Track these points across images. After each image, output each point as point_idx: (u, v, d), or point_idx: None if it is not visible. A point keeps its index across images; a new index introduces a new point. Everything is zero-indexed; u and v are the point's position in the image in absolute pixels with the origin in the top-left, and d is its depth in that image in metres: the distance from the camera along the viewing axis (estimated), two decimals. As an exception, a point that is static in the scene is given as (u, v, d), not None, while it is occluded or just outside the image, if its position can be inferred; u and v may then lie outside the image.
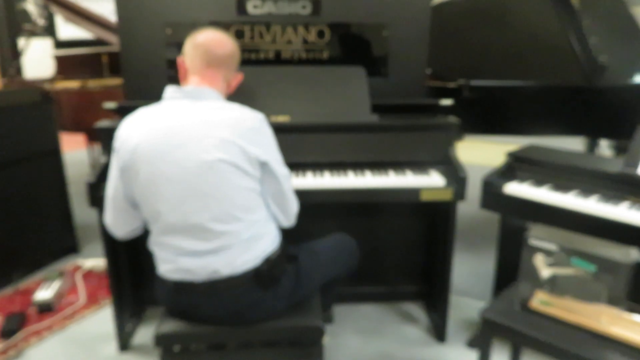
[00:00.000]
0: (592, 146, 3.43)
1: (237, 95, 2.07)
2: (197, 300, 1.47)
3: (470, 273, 2.75)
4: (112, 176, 1.50)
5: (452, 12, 3.10)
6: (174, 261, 1.46)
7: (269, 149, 1.49)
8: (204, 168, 1.38)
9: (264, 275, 1.47)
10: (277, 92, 2.10)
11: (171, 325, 1.52)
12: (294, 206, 1.61)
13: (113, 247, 2.04)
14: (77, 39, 5.12)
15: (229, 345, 1.58)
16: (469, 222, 3.46)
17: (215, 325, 1.51)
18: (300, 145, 2.01)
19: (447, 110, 2.31)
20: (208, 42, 1.54)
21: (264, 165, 1.46)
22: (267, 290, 1.48)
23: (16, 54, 6.04)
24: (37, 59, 5.65)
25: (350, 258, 1.82)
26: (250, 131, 1.43)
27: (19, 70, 5.92)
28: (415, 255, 2.42)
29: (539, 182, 1.92)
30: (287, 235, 1.67)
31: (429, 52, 2.39)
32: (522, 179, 1.97)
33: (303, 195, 1.84)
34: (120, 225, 1.55)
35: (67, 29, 6.11)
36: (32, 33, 6.20)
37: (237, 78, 1.67)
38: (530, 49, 2.94)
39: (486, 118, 2.94)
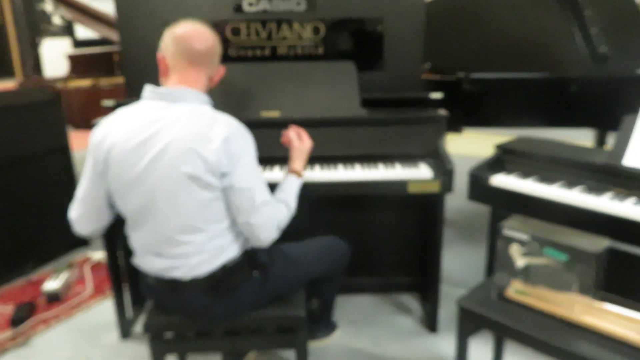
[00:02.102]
0: (602, 140, 3.39)
1: (228, 92, 2.13)
2: (163, 294, 1.54)
3: (465, 264, 2.78)
4: (85, 176, 1.51)
5: (451, 4, 3.09)
6: (142, 256, 1.53)
7: (234, 160, 1.41)
8: (167, 178, 1.39)
9: (219, 282, 1.49)
10: (268, 88, 2.15)
11: (158, 314, 1.60)
12: (265, 231, 1.49)
13: (113, 240, 2.13)
14: (94, 38, 5.24)
15: (215, 333, 1.64)
16: (465, 214, 3.47)
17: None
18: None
19: (441, 103, 2.32)
20: (188, 36, 1.49)
21: (225, 176, 1.41)
22: (217, 297, 1.51)
23: (35, 54, 6.22)
24: (55, 58, 5.82)
25: (336, 261, 1.83)
26: (215, 141, 1.37)
27: (37, 69, 6.11)
28: (411, 247, 2.45)
29: (525, 173, 1.94)
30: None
31: (428, 46, 2.41)
32: (509, 170, 1.99)
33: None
34: (84, 223, 1.56)
35: (84, 29, 6.27)
36: (51, 33, 6.40)
37: (219, 72, 1.61)
38: (531, 40, 2.93)
39: (487, 111, 2.95)
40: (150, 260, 1.51)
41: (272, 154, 2.01)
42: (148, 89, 1.50)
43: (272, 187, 1.84)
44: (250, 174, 1.46)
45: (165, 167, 1.39)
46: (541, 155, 1.94)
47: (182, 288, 1.50)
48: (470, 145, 4.13)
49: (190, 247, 1.45)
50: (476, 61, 2.97)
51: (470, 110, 2.91)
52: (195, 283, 1.48)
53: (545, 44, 2.93)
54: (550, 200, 1.80)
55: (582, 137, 3.22)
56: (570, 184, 1.83)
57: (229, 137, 1.39)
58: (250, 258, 1.57)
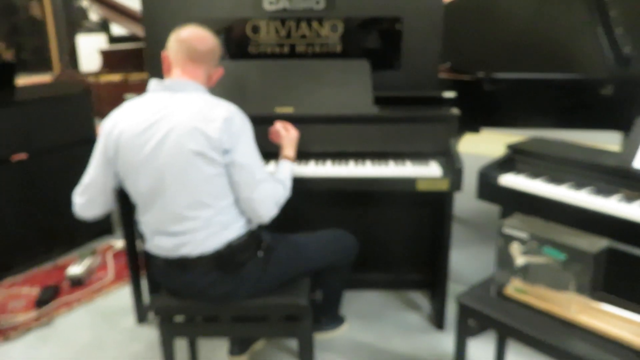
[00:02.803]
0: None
1: (243, 88, 2.20)
2: (171, 274, 1.62)
3: (476, 263, 2.78)
4: (94, 163, 1.62)
5: (472, 4, 3.08)
6: (151, 239, 1.63)
7: (234, 138, 1.52)
8: (175, 156, 1.50)
9: (224, 259, 1.58)
10: (283, 84, 2.20)
11: (168, 297, 1.67)
12: (264, 206, 1.60)
13: (131, 229, 2.22)
14: (128, 35, 5.40)
15: (222, 318, 1.70)
16: (477, 212, 3.45)
17: (187, 299, 1.65)
18: (303, 135, 2.11)
19: (459, 103, 2.32)
20: (191, 38, 1.62)
21: (227, 153, 1.52)
22: (226, 272, 1.59)
23: (71, 49, 6.45)
24: (91, 53, 6.01)
25: (342, 254, 1.89)
26: (217, 120, 1.49)
27: (73, 64, 6.33)
28: (421, 244, 2.47)
29: (535, 174, 1.94)
30: (291, 222, 1.77)
31: (448, 45, 2.43)
32: (519, 170, 1.99)
33: (305, 182, 1.97)
34: (89, 208, 1.66)
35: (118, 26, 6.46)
36: (87, 29, 6.62)
37: (217, 72, 1.74)
38: (553, 40, 2.90)
39: (507, 111, 2.92)
40: (159, 240, 1.59)
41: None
42: (153, 82, 1.63)
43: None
44: (250, 152, 1.59)
45: (171, 146, 1.50)
46: (551, 155, 1.94)
47: (190, 265, 1.57)
48: (491, 146, 4.10)
49: (197, 223, 1.54)
50: (497, 61, 2.95)
51: (490, 110, 2.91)
52: (202, 259, 1.57)
53: (567, 44, 2.89)
54: (558, 200, 1.80)
55: (609, 140, 3.16)
56: (579, 185, 1.82)
57: (229, 117, 1.53)
58: (256, 238, 1.65)
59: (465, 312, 1.57)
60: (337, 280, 1.96)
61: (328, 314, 2.11)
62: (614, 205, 1.67)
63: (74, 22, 6.63)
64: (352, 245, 1.92)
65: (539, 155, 1.98)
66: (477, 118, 2.89)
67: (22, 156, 2.75)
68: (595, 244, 1.38)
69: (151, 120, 1.52)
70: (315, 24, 2.40)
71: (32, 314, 2.37)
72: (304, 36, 2.42)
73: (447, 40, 2.44)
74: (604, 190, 1.76)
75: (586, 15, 2.85)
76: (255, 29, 2.41)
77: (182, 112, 1.52)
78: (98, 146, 1.61)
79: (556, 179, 1.88)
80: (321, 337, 2.13)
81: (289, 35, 2.42)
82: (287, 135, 1.95)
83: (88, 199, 1.65)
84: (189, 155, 1.49)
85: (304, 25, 2.41)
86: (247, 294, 1.64)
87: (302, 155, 2.10)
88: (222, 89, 2.03)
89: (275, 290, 1.69)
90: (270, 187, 1.62)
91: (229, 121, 1.52)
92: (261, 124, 2.01)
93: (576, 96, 2.81)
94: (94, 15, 6.59)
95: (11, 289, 2.60)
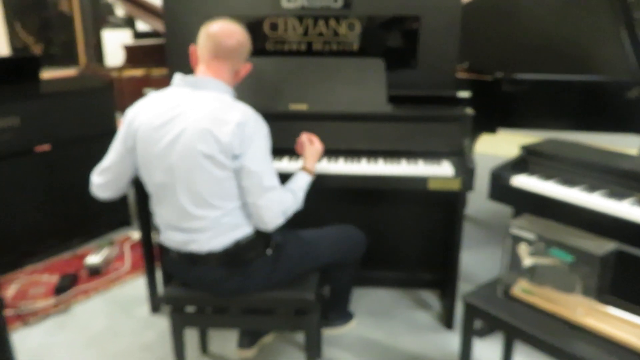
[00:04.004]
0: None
1: (259, 84, 2.22)
2: (182, 267, 1.66)
3: (488, 263, 2.77)
4: (114, 148, 1.67)
5: (490, 4, 3.06)
6: (164, 231, 1.67)
7: (246, 143, 1.51)
8: (185, 156, 1.51)
9: (232, 256, 1.60)
10: (298, 81, 2.22)
11: (179, 288, 1.71)
12: (270, 214, 1.58)
13: (147, 221, 2.27)
14: (152, 31, 5.49)
15: (231, 310, 1.73)
16: (491, 213, 3.43)
17: (199, 291, 1.69)
18: (317, 132, 2.12)
19: (476, 103, 2.31)
20: (219, 33, 1.61)
21: (237, 158, 1.51)
22: (234, 269, 1.61)
23: (97, 44, 6.58)
24: (116, 49, 6.13)
25: (350, 249, 1.90)
26: (230, 124, 1.48)
27: (99, 59, 6.46)
28: (433, 244, 2.46)
29: (547, 175, 1.93)
30: (302, 219, 1.80)
31: (466, 45, 2.41)
32: (532, 172, 1.98)
33: (318, 179, 1.96)
34: (104, 190, 1.72)
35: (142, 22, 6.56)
36: (113, 24, 6.75)
37: (245, 68, 1.72)
38: (574, 42, 2.86)
39: (525, 112, 2.90)
40: (171, 234, 1.63)
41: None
42: (177, 77, 1.64)
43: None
44: (260, 159, 1.56)
45: (183, 145, 1.51)
46: (565, 157, 1.93)
47: (200, 261, 1.61)
48: (509, 147, 4.06)
49: (204, 222, 1.56)
50: (517, 62, 2.93)
51: (508, 111, 2.88)
52: (211, 256, 1.60)
53: (589, 46, 2.85)
54: (570, 202, 1.79)
55: (630, 143, 3.10)
56: (592, 187, 1.80)
57: (242, 122, 1.51)
58: (265, 237, 1.66)
59: (471, 311, 1.58)
60: (345, 276, 1.98)
61: (337, 310, 2.12)
62: (627, 209, 1.65)
63: (100, 17, 6.77)
64: (361, 241, 1.93)
65: (553, 156, 1.97)
66: (494, 118, 2.87)
67: (45, 147, 2.83)
68: (602, 246, 1.37)
69: (168, 116, 1.53)
70: (332, 22, 2.42)
71: (51, 300, 2.45)
72: (321, 34, 2.44)
73: (466, 40, 2.43)
74: (617, 194, 1.74)
75: (609, 16, 2.81)
76: (274, 27, 2.44)
77: (197, 111, 1.52)
78: (119, 133, 1.65)
79: (569, 181, 1.87)
80: (329, 333, 2.15)
81: (306, 33, 2.44)
82: (311, 147, 1.92)
83: (105, 181, 1.70)
84: (197, 157, 1.50)
85: (321, 23, 2.43)
86: (256, 290, 1.67)
87: (316, 152, 2.12)
88: (238, 85, 2.06)
89: (283, 285, 1.71)
90: (277, 195, 1.60)
91: (241, 126, 1.50)
92: (275, 120, 2.04)
93: (597, 98, 2.78)
94: (120, 11, 6.71)
95: (32, 275, 2.68)
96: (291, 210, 1.66)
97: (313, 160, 1.89)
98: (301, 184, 1.76)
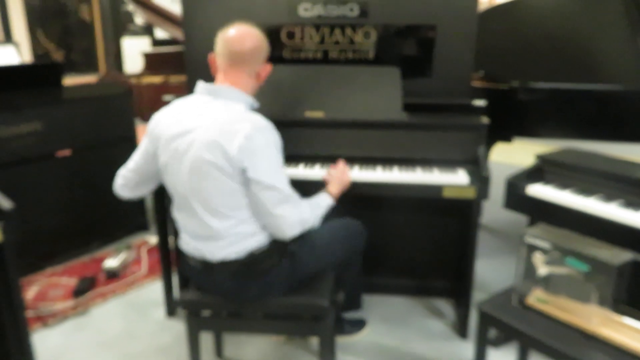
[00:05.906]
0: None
1: (275, 92, 2.25)
2: (199, 273, 1.69)
3: (504, 272, 2.76)
4: (139, 152, 1.72)
5: (507, 14, 3.07)
6: (182, 236, 1.70)
7: (253, 156, 1.50)
8: (195, 165, 1.53)
9: (247, 267, 1.61)
10: (314, 89, 2.25)
11: (195, 292, 1.74)
12: (286, 224, 1.58)
13: (165, 226, 2.31)
14: (171, 38, 5.58)
15: (246, 315, 1.75)
16: (507, 222, 3.41)
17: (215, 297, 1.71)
18: (332, 139, 2.15)
19: (491, 111, 2.31)
20: (232, 39, 1.62)
21: (246, 171, 1.50)
22: (249, 279, 1.63)
23: (117, 51, 6.69)
24: (135, 56, 6.24)
25: (352, 238, 1.90)
26: (238, 136, 1.48)
27: (118, 66, 6.57)
28: (448, 252, 2.46)
29: (563, 185, 1.92)
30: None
31: (482, 54, 2.42)
32: (547, 181, 1.98)
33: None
34: (128, 190, 1.79)
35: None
36: (133, 32, 6.86)
37: (265, 69, 1.70)
38: (591, 51, 2.85)
39: (541, 121, 2.89)
40: (187, 240, 1.67)
41: (313, 152, 2.14)
42: (200, 85, 1.66)
43: (312, 184, 1.96)
44: (272, 170, 1.55)
45: (194, 155, 1.53)
46: (581, 167, 1.92)
47: (213, 269, 1.63)
48: (525, 156, 4.04)
49: (217, 231, 1.58)
50: (533, 70, 2.93)
51: (523, 120, 2.88)
52: (224, 266, 1.61)
53: (607, 55, 2.84)
54: (586, 212, 1.78)
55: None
56: (608, 197, 1.80)
57: (250, 135, 1.49)
58: (280, 246, 1.66)
59: (485, 320, 1.58)
60: (352, 273, 1.99)
61: (353, 306, 2.14)
62: (643, 219, 1.64)
63: (120, 25, 6.90)
64: (361, 231, 1.93)
65: (569, 166, 1.96)
66: (509, 127, 2.87)
67: (66, 152, 2.89)
68: (618, 256, 1.37)
69: (185, 126, 1.55)
70: (349, 31, 2.45)
71: (70, 302, 2.49)
72: (337, 42, 2.47)
73: (481, 49, 2.44)
74: (634, 203, 1.73)
75: (626, 25, 2.80)
76: (291, 35, 2.47)
77: (210, 122, 1.53)
78: (144, 139, 1.70)
79: (585, 191, 1.86)
80: (343, 340, 2.16)
81: (322, 41, 2.47)
82: (339, 175, 1.93)
83: (128, 182, 1.77)
84: (206, 167, 1.51)
85: (337, 31, 2.45)
86: (272, 297, 1.69)
87: (331, 158, 2.13)
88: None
89: (300, 290, 1.73)
90: (292, 206, 1.59)
91: (249, 138, 1.49)
92: (292, 128, 2.07)
93: (614, 108, 2.76)
94: (139, 19, 6.82)
95: (51, 278, 2.74)
96: (309, 223, 1.66)
97: (337, 187, 1.89)
98: (321, 202, 1.77)
